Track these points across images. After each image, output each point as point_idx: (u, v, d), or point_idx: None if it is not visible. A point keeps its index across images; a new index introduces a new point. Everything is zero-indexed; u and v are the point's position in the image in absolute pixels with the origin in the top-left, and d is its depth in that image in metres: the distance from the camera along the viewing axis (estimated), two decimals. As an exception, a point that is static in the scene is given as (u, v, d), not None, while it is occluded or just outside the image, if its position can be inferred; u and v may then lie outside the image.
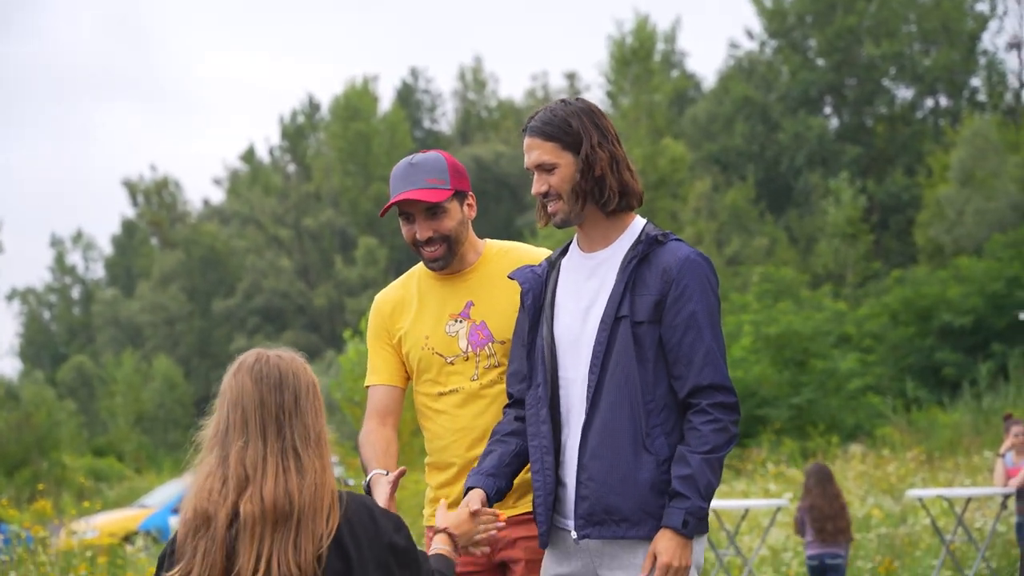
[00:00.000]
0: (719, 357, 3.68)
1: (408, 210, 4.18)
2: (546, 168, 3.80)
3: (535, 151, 3.81)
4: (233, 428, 3.25)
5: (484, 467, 3.85)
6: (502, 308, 4.19)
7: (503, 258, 4.29)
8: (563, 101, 3.85)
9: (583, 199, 3.78)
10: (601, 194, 3.77)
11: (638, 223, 3.88)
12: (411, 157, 4.22)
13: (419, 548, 3.40)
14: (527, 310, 3.92)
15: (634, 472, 3.65)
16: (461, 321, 4.23)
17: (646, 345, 3.69)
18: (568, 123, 3.77)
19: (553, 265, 3.97)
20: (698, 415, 3.63)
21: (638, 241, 3.78)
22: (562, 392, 3.82)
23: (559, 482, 3.82)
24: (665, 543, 3.59)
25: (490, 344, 4.20)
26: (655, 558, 3.60)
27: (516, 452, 3.88)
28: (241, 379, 3.29)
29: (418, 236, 4.17)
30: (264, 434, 3.22)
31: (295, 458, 3.21)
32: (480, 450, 4.03)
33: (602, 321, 3.73)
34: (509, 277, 4.03)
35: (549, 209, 3.84)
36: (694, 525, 3.58)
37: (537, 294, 3.92)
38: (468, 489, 3.81)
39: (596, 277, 3.83)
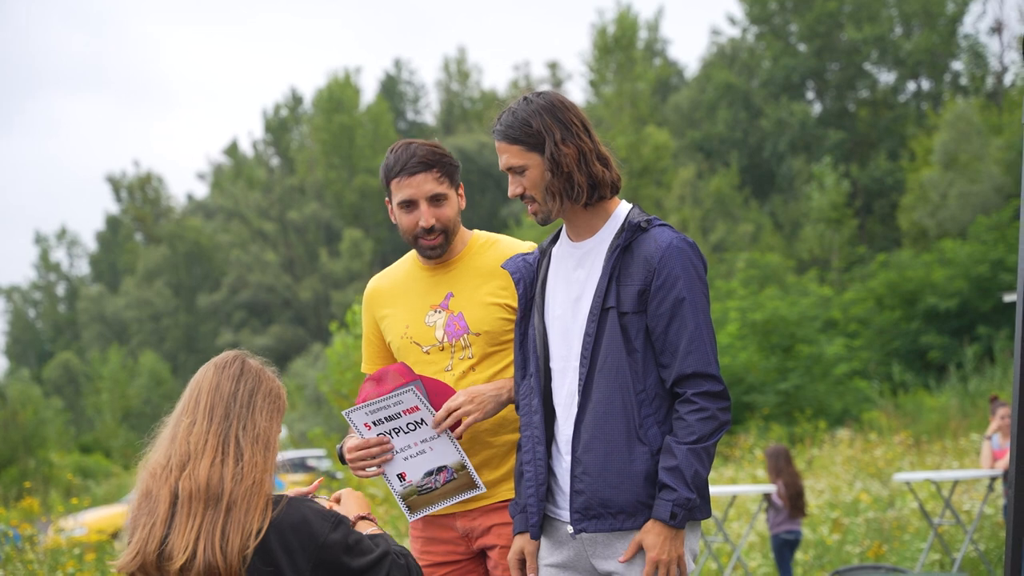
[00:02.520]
0: (705, 344, 3.65)
1: (413, 198, 4.17)
2: (517, 171, 3.77)
3: (503, 155, 3.79)
4: (185, 409, 3.32)
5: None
6: (480, 300, 4.20)
7: (488, 250, 4.29)
8: (525, 99, 3.79)
9: (557, 197, 3.76)
10: (572, 189, 3.75)
11: (623, 209, 3.86)
12: (410, 143, 4.21)
13: (375, 535, 3.41)
14: (519, 299, 3.92)
15: (628, 464, 3.63)
16: (440, 311, 4.24)
17: (633, 335, 3.67)
18: (528, 123, 3.72)
19: (544, 253, 3.96)
20: (684, 404, 3.61)
21: (622, 229, 3.76)
22: (554, 383, 3.81)
23: (550, 472, 3.81)
24: (653, 537, 3.58)
25: (465, 335, 4.20)
26: (639, 548, 3.61)
27: None
28: (207, 368, 3.40)
29: (422, 224, 4.16)
30: (211, 415, 3.28)
31: (236, 447, 3.25)
32: None
33: (590, 312, 3.71)
34: (502, 267, 4.03)
35: (529, 209, 3.84)
36: (683, 516, 3.56)
37: (528, 283, 3.92)
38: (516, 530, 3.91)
39: (583, 267, 3.81)
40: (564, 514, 3.77)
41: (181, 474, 3.22)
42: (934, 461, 16.13)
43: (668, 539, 3.57)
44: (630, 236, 3.73)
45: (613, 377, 3.66)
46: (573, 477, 3.70)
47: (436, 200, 4.15)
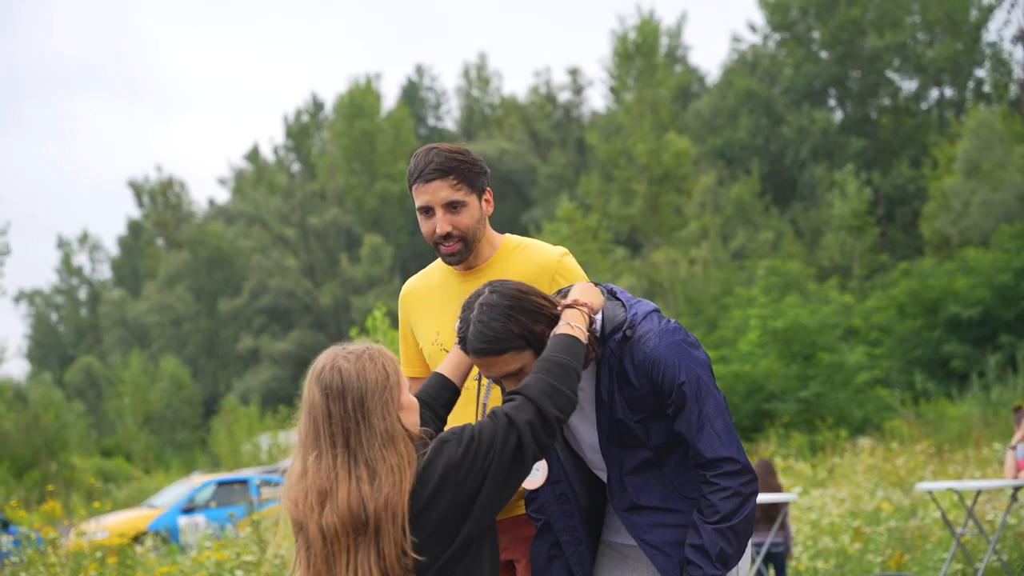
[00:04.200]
0: (716, 430, 3.66)
1: (429, 205, 4.16)
2: (514, 374, 3.66)
3: (495, 367, 3.64)
4: (308, 439, 3.33)
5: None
6: None
7: (518, 255, 4.26)
8: (488, 305, 3.61)
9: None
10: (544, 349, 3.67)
11: (596, 319, 3.75)
12: (432, 148, 4.19)
13: (488, 416, 3.43)
14: None
15: (674, 523, 3.74)
16: None
17: (653, 433, 3.73)
18: (510, 330, 3.58)
19: None
20: (707, 486, 3.66)
21: (604, 338, 3.71)
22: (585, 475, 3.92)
23: (605, 543, 3.93)
24: None
25: None
26: None
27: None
28: (311, 389, 3.35)
29: (437, 231, 4.15)
30: (334, 446, 3.29)
31: (366, 465, 3.27)
32: None
33: (599, 425, 3.75)
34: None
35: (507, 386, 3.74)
36: None
37: None
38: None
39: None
40: (629, 538, 3.86)
41: (323, 511, 3.25)
42: (956, 470, 16.06)
43: None
44: (617, 349, 3.70)
45: (640, 462, 3.75)
46: (651, 557, 3.75)
47: (452, 207, 4.11)
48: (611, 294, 3.80)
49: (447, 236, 4.13)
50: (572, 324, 3.57)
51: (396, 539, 3.22)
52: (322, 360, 3.38)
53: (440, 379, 3.83)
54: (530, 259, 4.22)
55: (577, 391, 3.47)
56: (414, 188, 4.15)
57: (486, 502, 3.34)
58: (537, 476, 3.79)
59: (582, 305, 3.60)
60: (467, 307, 3.62)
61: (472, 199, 4.14)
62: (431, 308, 4.33)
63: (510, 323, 3.57)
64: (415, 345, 4.41)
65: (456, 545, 3.32)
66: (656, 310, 3.77)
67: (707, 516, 3.62)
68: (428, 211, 4.14)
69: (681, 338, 3.69)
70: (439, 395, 3.81)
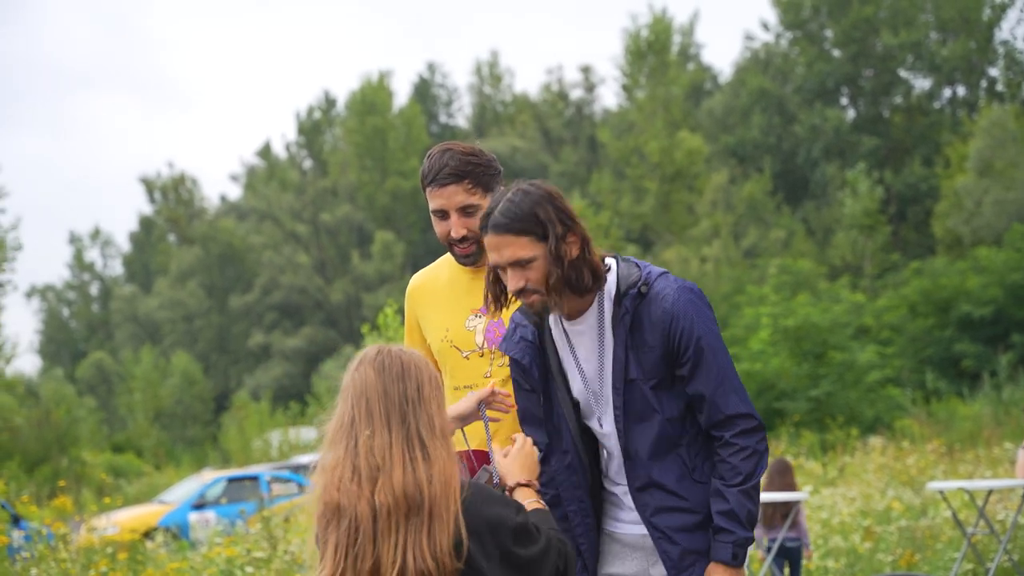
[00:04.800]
0: (732, 384, 3.66)
1: (444, 208, 4.16)
2: (522, 263, 3.63)
3: (507, 248, 3.62)
4: (359, 419, 3.23)
5: None
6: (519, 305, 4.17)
7: None
8: (522, 191, 3.65)
9: (561, 288, 3.66)
10: (579, 279, 3.65)
11: (611, 277, 3.77)
12: (446, 150, 4.18)
13: (537, 516, 3.38)
14: (535, 381, 3.84)
15: (702, 511, 3.71)
16: (480, 316, 4.21)
17: (664, 399, 3.69)
18: (535, 214, 3.60)
19: (540, 327, 3.87)
20: (725, 448, 3.64)
21: (621, 295, 3.70)
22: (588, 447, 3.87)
23: (605, 534, 3.88)
24: None
25: None
26: None
27: None
28: (364, 371, 3.27)
29: (452, 235, 4.15)
30: (389, 423, 3.20)
31: (421, 447, 3.19)
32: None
33: (613, 388, 3.71)
34: (502, 351, 3.93)
35: (526, 300, 3.69)
36: (743, 556, 3.64)
37: (542, 364, 3.84)
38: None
39: (592, 342, 3.77)
40: (630, 527, 3.82)
41: (375, 487, 3.16)
42: (967, 470, 16.03)
43: None
44: (633, 305, 3.68)
45: (657, 439, 3.70)
46: (656, 540, 3.73)
47: (467, 211, 4.11)
48: (622, 258, 3.79)
49: (463, 239, 4.14)
50: (530, 501, 3.54)
51: (449, 529, 3.14)
52: (371, 350, 3.31)
53: None
54: None
55: None
56: (428, 191, 4.15)
57: None
58: None
59: (525, 485, 3.55)
60: (501, 194, 3.65)
61: (486, 201, 4.10)
62: (440, 304, 4.32)
63: (538, 208, 3.58)
64: (422, 341, 4.39)
65: None
66: (667, 272, 3.76)
67: (729, 479, 3.62)
68: (443, 214, 4.15)
69: (697, 295, 3.70)
70: None
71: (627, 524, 3.81)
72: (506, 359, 4.03)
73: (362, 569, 3.16)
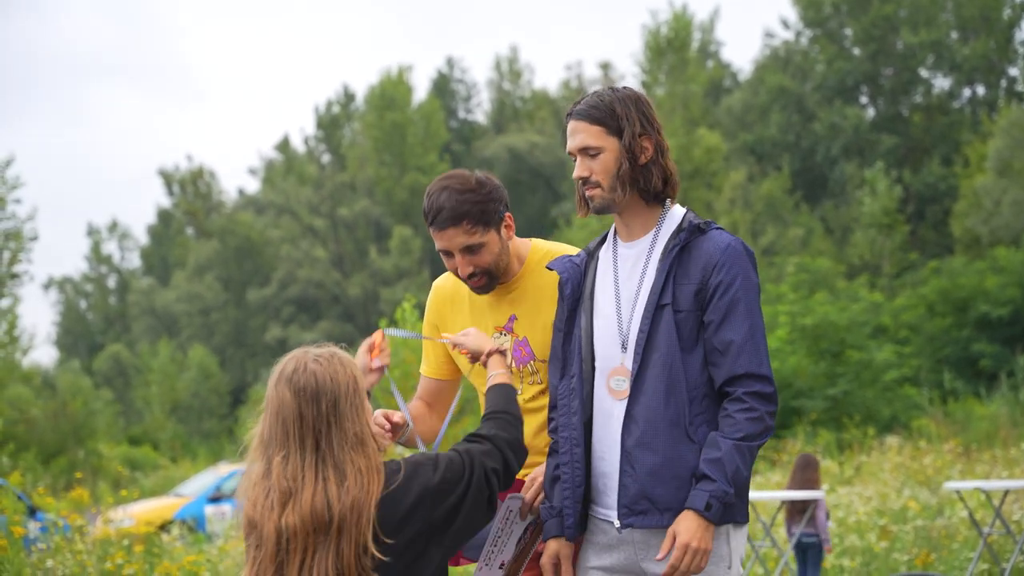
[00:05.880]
0: (759, 345, 3.64)
1: (447, 249, 4.13)
2: (590, 153, 3.75)
3: (580, 135, 3.75)
4: (275, 439, 3.33)
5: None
6: (543, 324, 4.14)
7: (546, 265, 4.22)
8: (612, 88, 3.81)
9: (625, 186, 3.74)
10: (647, 182, 3.75)
11: (678, 211, 3.84)
12: (444, 189, 4.10)
13: (457, 452, 3.49)
14: (565, 300, 3.88)
15: (678, 461, 3.61)
16: (505, 335, 4.21)
17: (687, 333, 3.65)
18: (614, 108, 3.73)
19: (592, 255, 3.93)
20: (733, 403, 3.59)
21: (680, 229, 3.74)
22: (597, 380, 3.79)
23: (596, 472, 3.78)
24: (686, 524, 3.53)
25: (532, 362, 4.17)
26: (674, 538, 3.55)
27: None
28: (281, 391, 3.35)
29: (460, 272, 4.14)
30: (302, 446, 3.29)
31: (334, 467, 3.27)
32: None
33: (645, 309, 3.69)
34: (547, 267, 3.99)
35: (587, 193, 3.79)
36: (717, 509, 3.52)
37: (576, 284, 3.88)
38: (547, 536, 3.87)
39: (637, 266, 3.79)
40: (611, 513, 3.74)
41: (284, 511, 3.24)
42: (984, 470, 15.99)
43: (701, 528, 3.53)
44: (688, 236, 3.71)
45: (665, 375, 3.64)
46: (622, 471, 3.67)
47: (470, 250, 4.08)
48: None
49: (470, 275, 4.12)
50: (500, 372, 3.76)
51: (357, 539, 3.21)
52: (291, 363, 3.38)
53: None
54: None
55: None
56: (430, 230, 4.14)
57: (457, 533, 3.38)
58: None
59: (498, 351, 3.76)
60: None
61: (489, 236, 4.09)
62: (464, 316, 4.32)
63: (618, 104, 3.80)
64: (434, 343, 4.38)
65: (419, 566, 3.33)
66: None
67: (728, 432, 3.56)
68: (447, 253, 4.13)
69: (751, 256, 3.74)
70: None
71: (614, 511, 3.74)
72: (535, 377, 4.07)
73: None
